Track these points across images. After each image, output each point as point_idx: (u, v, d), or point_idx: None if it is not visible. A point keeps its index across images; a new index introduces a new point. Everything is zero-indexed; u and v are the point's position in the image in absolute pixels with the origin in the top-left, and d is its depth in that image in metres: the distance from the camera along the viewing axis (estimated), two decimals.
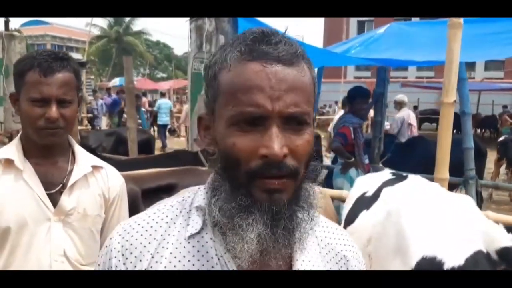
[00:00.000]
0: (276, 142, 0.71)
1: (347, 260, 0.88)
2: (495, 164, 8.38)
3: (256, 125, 0.72)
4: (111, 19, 34.70)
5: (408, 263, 1.52)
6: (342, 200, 2.90)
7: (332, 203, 2.68)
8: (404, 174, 2.20)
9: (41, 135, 1.44)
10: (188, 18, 4.24)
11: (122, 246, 0.79)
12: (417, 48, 4.40)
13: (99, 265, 0.82)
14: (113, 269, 0.79)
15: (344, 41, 6.56)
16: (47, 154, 1.51)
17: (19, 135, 1.55)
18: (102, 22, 35.11)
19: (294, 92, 0.73)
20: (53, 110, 1.42)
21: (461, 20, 2.81)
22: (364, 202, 2.09)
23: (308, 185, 0.80)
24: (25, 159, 1.47)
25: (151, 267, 0.77)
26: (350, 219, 2.12)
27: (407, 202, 1.76)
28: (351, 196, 2.37)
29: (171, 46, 51.62)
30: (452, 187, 3.67)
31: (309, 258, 0.83)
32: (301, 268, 0.80)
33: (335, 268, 0.86)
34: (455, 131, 3.35)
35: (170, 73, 35.79)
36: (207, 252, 0.78)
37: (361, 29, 32.24)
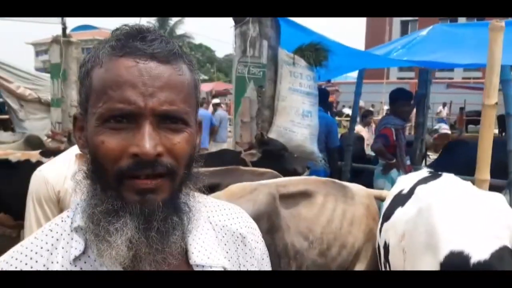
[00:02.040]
0: (148, 140, 0.67)
1: (244, 237, 0.87)
2: None
3: (128, 123, 0.68)
4: (156, 23, 35.75)
5: (437, 258, 1.60)
6: (382, 199, 2.98)
7: (375, 202, 2.76)
8: (439, 173, 2.26)
9: None
10: (233, 24, 4.43)
11: None
12: (461, 50, 4.39)
13: None
14: None
15: (386, 43, 6.57)
16: None
17: None
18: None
19: (169, 90, 0.70)
20: None
21: (502, 23, 2.83)
22: (400, 199, 2.17)
23: (189, 188, 0.77)
24: None
25: None
26: (387, 216, 2.21)
27: (438, 199, 1.83)
28: (390, 194, 2.45)
29: (213, 49, 52.53)
30: (496, 189, 3.64)
31: (205, 247, 0.80)
32: (197, 260, 0.78)
33: (232, 248, 0.85)
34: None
35: (212, 75, 36.43)
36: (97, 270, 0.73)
37: (404, 30, 31.55)
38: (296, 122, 4.24)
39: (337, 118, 13.24)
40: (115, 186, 0.69)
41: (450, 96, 18.30)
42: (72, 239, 0.74)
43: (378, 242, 2.27)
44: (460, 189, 1.92)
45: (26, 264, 0.72)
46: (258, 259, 0.89)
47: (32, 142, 4.91)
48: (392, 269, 2.06)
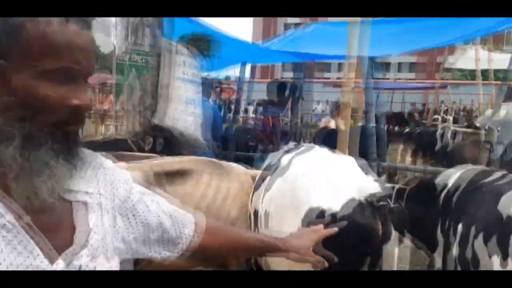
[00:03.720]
0: (86, 94, 0.77)
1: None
2: (401, 154, 9.22)
3: (69, 80, 0.75)
4: None
5: (299, 215, 1.87)
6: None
7: (251, 180, 2.96)
8: (313, 145, 2.58)
9: None
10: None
11: None
12: (335, 45, 4.86)
13: None
14: None
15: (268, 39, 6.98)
16: None
17: None
18: None
19: None
20: None
21: (359, 19, 3.27)
22: (279, 171, 2.38)
23: None
24: None
25: None
26: (267, 187, 2.41)
27: (301, 166, 2.14)
28: (267, 166, 2.66)
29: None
30: None
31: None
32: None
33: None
34: None
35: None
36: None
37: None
38: (180, 110, 4.31)
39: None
40: (50, 131, 0.76)
41: (327, 94, 19.76)
42: None
43: (259, 211, 2.45)
44: (319, 156, 2.23)
45: None
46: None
47: None
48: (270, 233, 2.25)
